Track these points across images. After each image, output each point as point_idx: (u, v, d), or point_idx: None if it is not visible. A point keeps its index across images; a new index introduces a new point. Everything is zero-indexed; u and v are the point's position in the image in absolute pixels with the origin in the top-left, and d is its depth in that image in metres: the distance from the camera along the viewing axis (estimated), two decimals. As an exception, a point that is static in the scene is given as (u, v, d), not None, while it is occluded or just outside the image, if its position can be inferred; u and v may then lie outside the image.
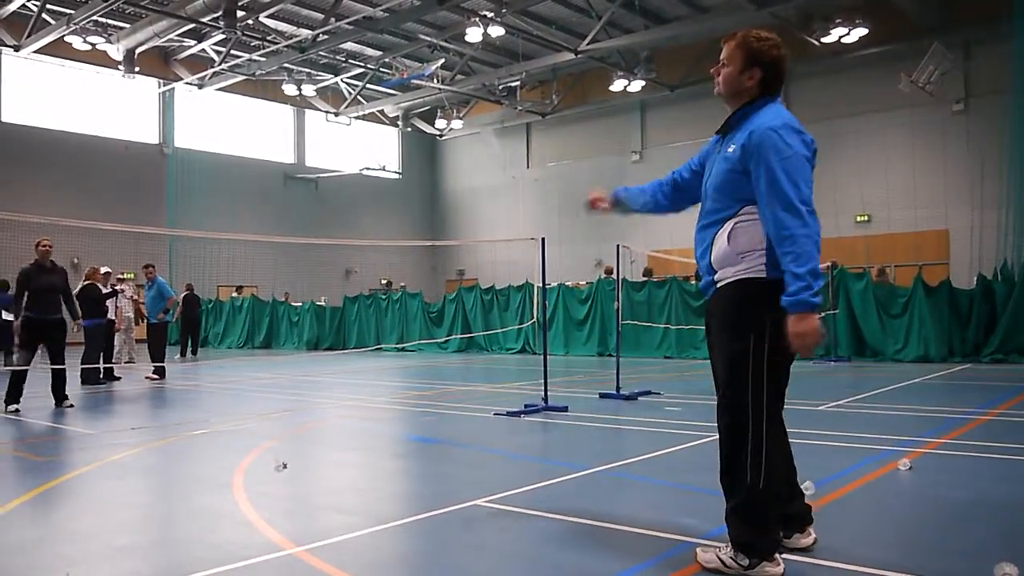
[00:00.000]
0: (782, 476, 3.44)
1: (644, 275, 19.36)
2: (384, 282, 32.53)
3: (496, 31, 23.33)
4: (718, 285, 3.45)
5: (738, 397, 3.38)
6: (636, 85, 28.43)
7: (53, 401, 9.69)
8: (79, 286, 12.75)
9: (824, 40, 23.56)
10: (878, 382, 11.41)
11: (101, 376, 12.95)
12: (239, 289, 27.96)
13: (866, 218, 26.30)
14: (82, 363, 12.28)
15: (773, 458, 3.37)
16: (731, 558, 3.37)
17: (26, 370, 9.32)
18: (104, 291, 12.94)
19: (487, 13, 22.57)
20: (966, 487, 5.03)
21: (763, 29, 3.58)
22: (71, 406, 9.62)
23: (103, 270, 13.50)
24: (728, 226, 3.40)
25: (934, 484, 5.11)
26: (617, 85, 28.48)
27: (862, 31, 22.82)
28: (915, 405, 9.00)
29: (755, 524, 3.35)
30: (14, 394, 9.25)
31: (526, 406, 8.82)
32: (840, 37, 23.18)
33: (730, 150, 3.40)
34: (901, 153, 25.74)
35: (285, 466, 5.69)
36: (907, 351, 14.96)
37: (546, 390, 9.02)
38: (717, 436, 3.51)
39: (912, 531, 4.15)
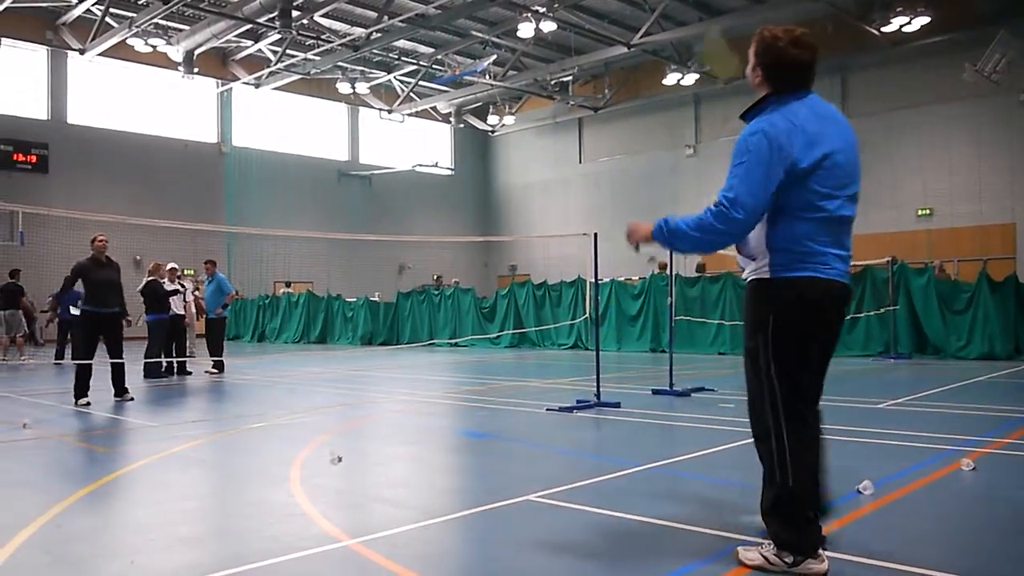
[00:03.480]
0: (813, 474, 3.38)
1: (697, 270, 19.16)
2: (436, 277, 32.78)
3: (548, 26, 23.28)
4: (745, 280, 3.57)
5: (756, 396, 3.47)
6: (690, 78, 28.09)
7: (113, 394, 9.93)
8: (143, 282, 13.06)
9: (884, 30, 22.99)
10: (940, 380, 11.12)
11: (163, 369, 13.24)
12: (288, 285, 28.47)
13: (928, 212, 25.63)
14: (145, 357, 12.59)
15: (800, 455, 3.35)
16: (775, 555, 3.36)
17: (90, 364, 9.58)
18: (168, 288, 13.21)
19: (539, 8, 22.52)
20: (1033, 488, 4.88)
21: (797, 25, 3.51)
22: (131, 399, 9.85)
23: (169, 266, 13.76)
24: None
25: (998, 485, 4.96)
26: (670, 78, 28.17)
27: (924, 19, 22.19)
28: (979, 403, 8.75)
29: (792, 522, 3.35)
30: (82, 388, 9.53)
31: (578, 402, 8.80)
32: (901, 26, 22.57)
33: None
34: (965, 145, 25.02)
35: (340, 459, 5.76)
36: (971, 348, 14.54)
37: (598, 386, 8.98)
38: None
39: (976, 533, 4.04)
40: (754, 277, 3.45)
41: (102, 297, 9.70)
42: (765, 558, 3.38)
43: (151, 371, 12.95)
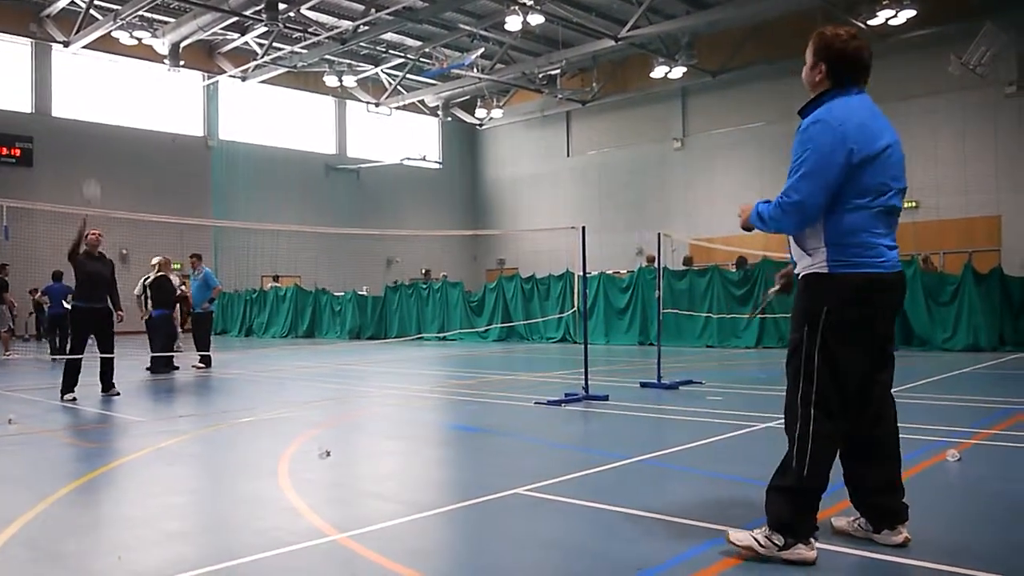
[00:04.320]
0: (827, 470, 3.44)
1: (684, 263, 19.20)
2: (424, 271, 32.73)
3: (536, 19, 23.27)
4: (798, 276, 3.59)
5: (792, 384, 3.49)
6: (677, 72, 28.14)
7: (100, 389, 9.89)
8: (151, 276, 13.00)
9: (871, 23, 23.08)
10: (926, 371, 11.19)
11: (170, 365, 13.20)
12: (276, 279, 28.39)
13: (914, 204, 25.72)
14: (152, 351, 12.66)
15: (821, 451, 3.39)
16: (766, 537, 3.39)
17: (80, 359, 9.53)
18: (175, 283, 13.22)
19: (526, 1, 22.50)
20: (1017, 479, 4.92)
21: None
22: (117, 394, 9.82)
23: (154, 260, 13.75)
24: None
25: (984, 476, 5.01)
26: (658, 72, 28.22)
27: (910, 12, 22.30)
28: (964, 395, 8.82)
29: (793, 505, 3.38)
30: (70, 383, 9.48)
31: (567, 395, 8.81)
32: (887, 19, 22.68)
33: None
34: (951, 138, 25.16)
35: (328, 454, 5.76)
36: (956, 340, 14.65)
37: (587, 379, 9.00)
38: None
39: (962, 524, 4.07)
40: (810, 271, 3.47)
41: (93, 292, 9.67)
42: (756, 540, 3.41)
43: (158, 366, 12.92)
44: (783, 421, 3.56)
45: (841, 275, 3.37)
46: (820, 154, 3.30)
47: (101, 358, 9.75)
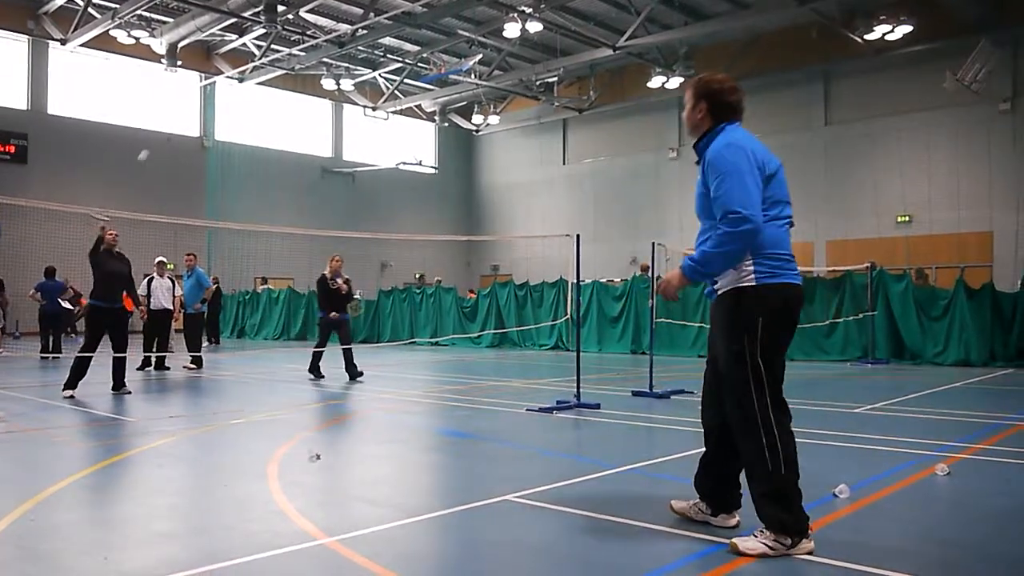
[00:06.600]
0: (796, 458, 3.66)
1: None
2: (417, 276, 32.69)
3: (534, 26, 23.29)
4: (718, 293, 3.81)
5: (742, 396, 3.68)
6: (674, 82, 28.20)
7: (111, 386, 9.92)
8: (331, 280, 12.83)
9: (867, 37, 23.21)
10: (917, 385, 11.22)
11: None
12: (265, 281, 28.30)
13: (907, 219, 25.87)
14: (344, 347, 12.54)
15: (788, 444, 3.64)
16: (774, 540, 3.55)
17: (90, 357, 9.52)
18: (338, 284, 12.84)
19: (525, 8, 22.53)
20: (1006, 494, 4.93)
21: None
22: (128, 392, 9.85)
23: (157, 260, 13.66)
24: None
25: (972, 490, 5.02)
26: (655, 81, 28.28)
27: (906, 28, 22.42)
28: (954, 409, 8.84)
29: (785, 505, 3.58)
30: (74, 380, 9.50)
31: (558, 402, 8.82)
32: (884, 34, 22.80)
33: (699, 177, 3.85)
34: (945, 153, 25.26)
35: (319, 457, 5.75)
36: (947, 354, 14.69)
37: (579, 387, 9.00)
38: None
39: (949, 538, 4.07)
40: (736, 286, 3.70)
41: (112, 291, 9.76)
42: (766, 545, 3.55)
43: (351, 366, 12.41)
44: (736, 429, 3.73)
45: (768, 286, 3.64)
46: (741, 172, 3.58)
47: (114, 357, 9.77)
